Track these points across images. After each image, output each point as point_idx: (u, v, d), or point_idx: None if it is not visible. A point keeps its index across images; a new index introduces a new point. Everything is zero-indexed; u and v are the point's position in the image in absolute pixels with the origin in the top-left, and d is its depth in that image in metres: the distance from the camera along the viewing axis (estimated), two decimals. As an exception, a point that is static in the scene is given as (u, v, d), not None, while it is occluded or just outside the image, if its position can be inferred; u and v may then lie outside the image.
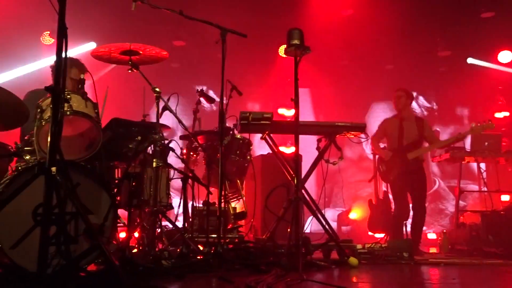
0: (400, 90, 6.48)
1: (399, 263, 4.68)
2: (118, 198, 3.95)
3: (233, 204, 5.50)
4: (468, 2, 8.36)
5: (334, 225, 7.58)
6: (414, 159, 6.09)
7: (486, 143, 6.83)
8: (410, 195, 6.19)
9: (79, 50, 8.52)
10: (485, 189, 7.53)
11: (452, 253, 6.38)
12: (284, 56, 8.87)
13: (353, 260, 4.20)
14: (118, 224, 3.81)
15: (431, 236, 8.85)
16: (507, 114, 9.58)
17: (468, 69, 10.05)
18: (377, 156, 6.67)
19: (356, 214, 8.93)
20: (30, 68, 8.97)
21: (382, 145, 6.52)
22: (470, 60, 10.03)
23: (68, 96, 3.18)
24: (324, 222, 4.66)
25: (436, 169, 10.54)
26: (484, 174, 7.65)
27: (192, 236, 4.43)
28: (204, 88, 5.70)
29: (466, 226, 6.58)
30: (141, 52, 4.11)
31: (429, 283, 3.62)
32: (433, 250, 6.98)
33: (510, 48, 9.52)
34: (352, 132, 5.12)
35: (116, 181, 4.25)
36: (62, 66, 2.44)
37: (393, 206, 6.37)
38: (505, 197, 7.71)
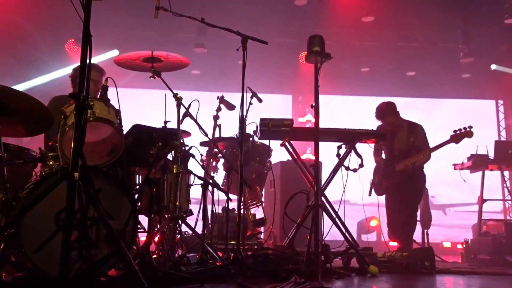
0: (388, 116, 5.83)
1: (420, 272, 4.61)
2: (139, 204, 3.98)
3: (252, 211, 5.51)
4: (491, 8, 8.26)
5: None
6: (404, 171, 5.64)
7: (510, 151, 6.71)
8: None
9: (103, 57, 8.66)
10: (510, 197, 7.40)
11: (475, 262, 6.28)
12: (305, 63, 8.93)
13: (373, 269, 4.16)
14: (139, 230, 3.83)
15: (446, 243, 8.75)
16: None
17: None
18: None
19: (375, 222, 8.87)
20: (55, 75, 9.17)
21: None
22: (493, 67, 9.91)
23: (91, 103, 3.23)
24: (344, 230, 4.63)
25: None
26: (508, 183, 7.52)
27: (211, 243, 4.44)
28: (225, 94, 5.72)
29: (489, 235, 6.47)
30: (163, 59, 4.16)
31: (451, 293, 3.56)
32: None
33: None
34: (373, 139, 5.09)
35: (137, 187, 4.29)
36: (85, 73, 2.48)
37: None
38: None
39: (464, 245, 6.80)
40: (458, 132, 5.46)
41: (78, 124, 2.41)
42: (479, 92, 11.16)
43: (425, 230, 6.68)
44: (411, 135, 5.75)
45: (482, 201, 6.97)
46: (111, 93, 3.53)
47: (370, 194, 6.06)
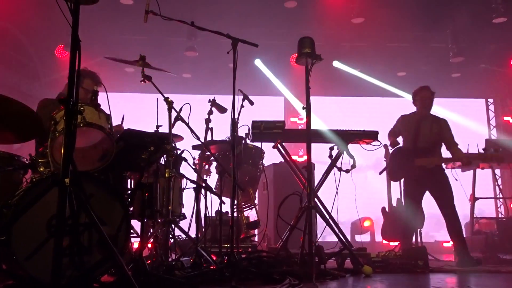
0: (431, 92, 5.96)
1: (414, 271, 4.63)
2: (131, 208, 3.97)
3: (245, 214, 5.50)
4: (480, 7, 8.32)
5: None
6: (423, 168, 5.59)
7: (501, 149, 6.75)
8: (435, 200, 5.67)
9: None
10: (501, 195, 7.44)
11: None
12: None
13: (367, 269, 4.16)
14: (131, 235, 3.81)
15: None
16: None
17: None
18: (390, 149, 6.10)
19: (369, 222, 8.89)
20: (45, 81, 9.14)
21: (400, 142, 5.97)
22: (483, 66, 10.01)
23: (82, 108, 3.21)
24: (337, 231, 4.64)
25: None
26: (499, 181, 7.56)
27: (205, 246, 4.43)
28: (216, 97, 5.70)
29: (481, 233, 6.50)
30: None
31: (445, 291, 3.57)
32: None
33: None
34: (365, 140, 5.11)
35: (129, 192, 4.27)
36: (75, 79, 2.46)
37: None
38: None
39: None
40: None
41: (68, 130, 2.40)
42: (469, 91, 11.23)
43: (418, 230, 6.68)
44: (434, 126, 5.77)
45: (474, 199, 7.01)
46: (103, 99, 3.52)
47: (380, 173, 6.27)
